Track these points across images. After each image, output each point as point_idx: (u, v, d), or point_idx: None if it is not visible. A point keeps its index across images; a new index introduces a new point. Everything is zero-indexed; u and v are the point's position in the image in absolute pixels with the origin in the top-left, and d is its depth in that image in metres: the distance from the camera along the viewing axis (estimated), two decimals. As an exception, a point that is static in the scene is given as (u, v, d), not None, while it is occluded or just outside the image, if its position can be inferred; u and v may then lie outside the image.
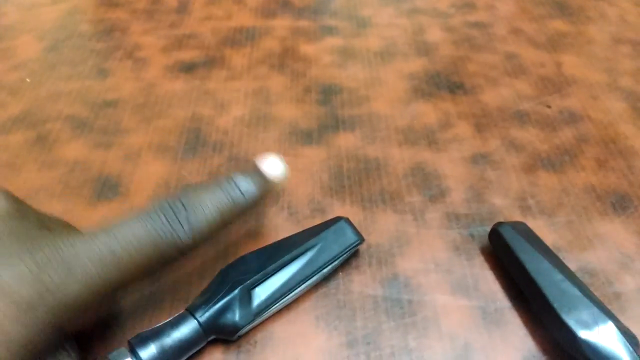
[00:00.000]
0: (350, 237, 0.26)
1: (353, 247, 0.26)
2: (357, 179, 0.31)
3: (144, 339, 0.22)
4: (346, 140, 0.34)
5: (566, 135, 0.34)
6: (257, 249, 0.25)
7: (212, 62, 0.40)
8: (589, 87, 0.38)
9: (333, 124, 0.35)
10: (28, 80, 0.38)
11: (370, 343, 0.24)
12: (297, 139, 0.34)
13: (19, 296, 0.17)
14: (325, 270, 0.25)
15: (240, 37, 0.43)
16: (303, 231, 0.26)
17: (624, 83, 0.39)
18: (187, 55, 0.41)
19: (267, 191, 0.24)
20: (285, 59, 0.41)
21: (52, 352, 0.19)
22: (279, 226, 0.28)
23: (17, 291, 0.17)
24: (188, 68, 0.40)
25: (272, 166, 0.24)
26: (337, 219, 0.26)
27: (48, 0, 0.48)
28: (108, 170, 0.31)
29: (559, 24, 0.45)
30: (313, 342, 0.24)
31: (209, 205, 0.22)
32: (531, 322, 0.25)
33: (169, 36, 0.43)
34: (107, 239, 0.20)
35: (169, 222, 0.21)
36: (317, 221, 0.28)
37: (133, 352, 0.21)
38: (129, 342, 0.22)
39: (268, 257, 0.24)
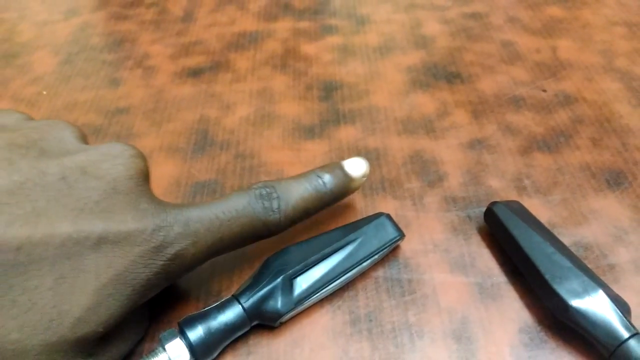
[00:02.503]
0: (391, 233, 0.27)
1: (393, 243, 0.27)
2: (358, 169, 0.32)
3: (192, 321, 0.23)
4: (347, 133, 0.35)
5: (561, 117, 0.35)
6: (300, 241, 0.26)
7: (217, 67, 0.42)
8: (584, 69, 0.39)
9: (334, 119, 0.36)
10: (45, 92, 0.41)
11: (372, 320, 0.25)
12: (300, 134, 0.35)
13: (150, 243, 0.21)
14: (365, 264, 0.26)
15: (243, 41, 0.45)
16: (344, 225, 0.27)
17: (619, 64, 0.39)
18: (194, 61, 0.43)
19: (349, 187, 0.27)
20: (288, 60, 0.42)
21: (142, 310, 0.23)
22: (284, 216, 0.30)
23: (150, 239, 0.21)
24: (195, 73, 0.41)
25: (355, 166, 0.27)
26: (379, 215, 0.27)
27: (61, 17, 0.50)
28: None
29: (554, 11, 0.46)
30: (318, 321, 0.25)
31: (296, 194, 0.25)
32: (526, 296, 0.26)
33: (176, 44, 0.45)
34: (214, 208, 0.23)
35: (263, 202, 0.24)
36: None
37: (182, 332, 0.23)
38: (178, 323, 0.23)
39: (310, 249, 0.26)
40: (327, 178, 0.26)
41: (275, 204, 0.24)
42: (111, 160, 0.22)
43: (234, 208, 0.23)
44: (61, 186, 0.20)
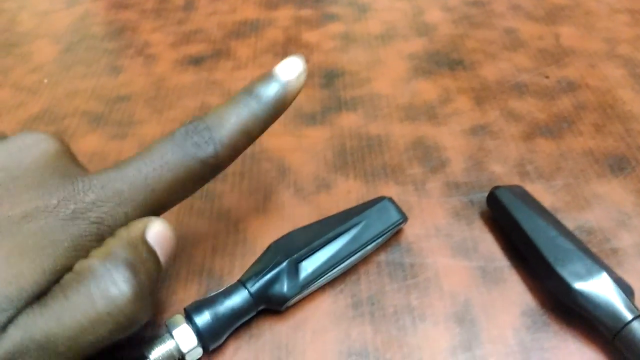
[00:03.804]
0: (394, 216, 0.26)
1: (397, 225, 0.26)
2: (359, 155, 0.32)
3: (199, 307, 0.23)
4: (349, 120, 0.35)
5: (564, 103, 0.35)
6: (303, 226, 0.26)
7: (218, 54, 0.42)
8: (587, 56, 0.39)
9: (336, 106, 0.36)
10: (46, 81, 0.41)
11: (374, 303, 0.25)
12: (302, 120, 0.35)
13: (60, 213, 0.20)
14: (369, 247, 0.26)
15: (244, 29, 0.44)
16: (348, 209, 0.27)
17: (622, 51, 0.39)
18: (195, 49, 0.43)
19: (286, 94, 0.24)
20: (289, 47, 0.42)
21: None
22: (285, 202, 0.30)
23: (57, 210, 0.20)
24: (196, 61, 0.41)
25: (288, 68, 0.24)
26: (381, 198, 0.27)
27: (61, 6, 0.50)
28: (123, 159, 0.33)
29: (557, -2, 0.46)
30: (320, 305, 0.25)
31: (228, 119, 0.23)
32: (529, 279, 0.26)
33: (177, 32, 0.45)
34: (135, 162, 0.22)
35: (192, 139, 0.22)
36: (323, 196, 0.30)
37: (189, 318, 0.23)
38: (184, 309, 0.23)
39: (314, 233, 0.25)
40: (259, 91, 0.23)
41: (206, 135, 0.22)
42: (10, 151, 0.22)
43: (158, 155, 0.22)
44: None
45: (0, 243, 0.19)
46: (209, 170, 0.23)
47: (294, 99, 0.25)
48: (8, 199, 0.20)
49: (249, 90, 0.24)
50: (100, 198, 0.21)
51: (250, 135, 0.23)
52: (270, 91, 0.24)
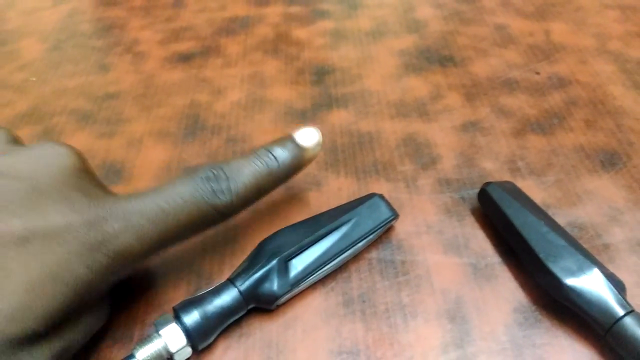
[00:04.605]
0: (385, 213, 0.26)
1: (387, 222, 0.26)
2: (351, 152, 0.32)
3: (188, 306, 0.23)
4: (339, 117, 0.35)
5: (555, 99, 0.35)
6: (293, 223, 0.26)
7: (208, 52, 0.41)
8: (578, 52, 0.39)
9: (326, 103, 0.36)
10: (33, 79, 0.40)
11: (366, 301, 0.25)
12: (292, 118, 0.35)
13: (85, 239, 0.20)
14: (360, 244, 0.26)
15: (234, 26, 0.44)
16: (338, 207, 0.27)
17: (612, 47, 0.39)
18: (184, 46, 0.42)
19: (301, 159, 0.26)
20: (279, 44, 0.42)
21: (100, 299, 0.22)
22: (276, 200, 0.30)
23: (84, 235, 0.20)
24: (185, 58, 0.41)
25: (306, 136, 0.26)
26: (372, 195, 0.27)
27: (49, 4, 0.49)
28: (112, 157, 0.33)
29: (548, -6, 0.45)
30: (311, 302, 0.25)
31: (246, 172, 0.24)
32: (521, 276, 0.25)
33: (166, 30, 0.44)
34: (157, 198, 0.22)
35: (210, 185, 0.23)
36: (313, 193, 0.30)
37: (177, 317, 0.22)
38: (173, 308, 0.23)
39: (304, 230, 0.25)
40: (278, 152, 0.25)
41: (224, 185, 0.23)
42: (33, 161, 0.21)
43: (179, 196, 0.22)
44: None
45: (27, 259, 0.19)
46: (219, 217, 0.23)
47: (306, 165, 0.26)
48: (34, 210, 0.20)
49: (268, 149, 0.25)
50: (121, 230, 0.21)
51: (262, 190, 0.25)
52: (288, 154, 0.25)
